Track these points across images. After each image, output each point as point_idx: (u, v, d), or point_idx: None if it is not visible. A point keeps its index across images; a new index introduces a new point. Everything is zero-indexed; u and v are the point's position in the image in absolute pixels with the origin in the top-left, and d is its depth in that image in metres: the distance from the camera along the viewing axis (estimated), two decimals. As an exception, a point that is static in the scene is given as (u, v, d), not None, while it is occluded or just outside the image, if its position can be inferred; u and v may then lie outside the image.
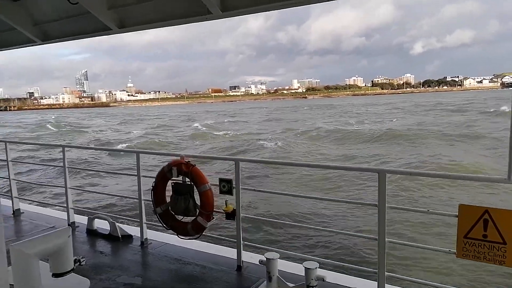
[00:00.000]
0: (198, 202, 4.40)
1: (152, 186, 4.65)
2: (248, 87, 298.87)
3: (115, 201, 12.02)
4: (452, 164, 16.80)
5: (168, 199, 4.59)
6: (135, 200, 5.23)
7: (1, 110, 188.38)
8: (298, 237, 8.83)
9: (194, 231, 4.44)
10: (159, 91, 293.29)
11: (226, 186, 4.21)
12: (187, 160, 4.44)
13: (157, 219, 4.70)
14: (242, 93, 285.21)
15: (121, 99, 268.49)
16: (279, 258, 3.65)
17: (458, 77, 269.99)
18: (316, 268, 3.40)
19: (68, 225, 5.75)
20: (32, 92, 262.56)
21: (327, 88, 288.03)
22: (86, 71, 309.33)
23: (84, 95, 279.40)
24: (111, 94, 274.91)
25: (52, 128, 51.80)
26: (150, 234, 5.17)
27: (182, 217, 4.54)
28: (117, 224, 5.26)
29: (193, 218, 4.42)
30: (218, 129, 42.81)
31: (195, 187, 4.35)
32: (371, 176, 13.02)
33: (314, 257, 3.79)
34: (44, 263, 2.75)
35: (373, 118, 50.24)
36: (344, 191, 13.10)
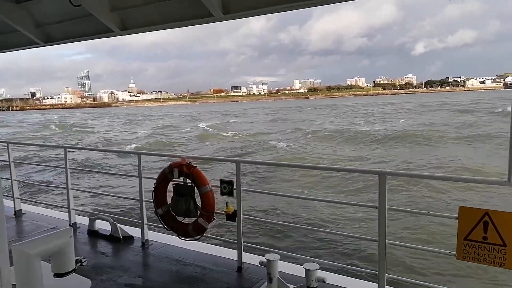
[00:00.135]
0: (199, 203, 4.42)
1: (153, 187, 4.68)
2: (250, 87, 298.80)
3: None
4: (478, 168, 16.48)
5: (169, 200, 4.61)
6: (136, 201, 5.25)
7: (4, 110, 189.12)
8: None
9: (195, 232, 4.46)
10: (160, 91, 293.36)
11: (227, 188, 4.23)
12: (188, 162, 4.46)
13: (158, 220, 4.73)
14: (243, 94, 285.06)
15: (123, 99, 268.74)
16: (279, 260, 3.66)
17: (460, 77, 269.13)
18: (316, 269, 3.42)
19: (70, 225, 5.77)
20: (34, 92, 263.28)
21: (329, 88, 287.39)
22: (87, 72, 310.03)
23: (86, 95, 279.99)
24: (113, 94, 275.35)
25: (56, 129, 51.82)
26: (151, 235, 5.18)
27: (183, 218, 4.56)
28: (118, 225, 5.29)
29: (194, 219, 4.44)
30: (226, 130, 42.62)
31: (196, 188, 4.37)
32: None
33: (315, 259, 3.80)
34: (46, 264, 2.78)
35: (382, 118, 50.00)
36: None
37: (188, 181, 4.43)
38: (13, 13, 4.93)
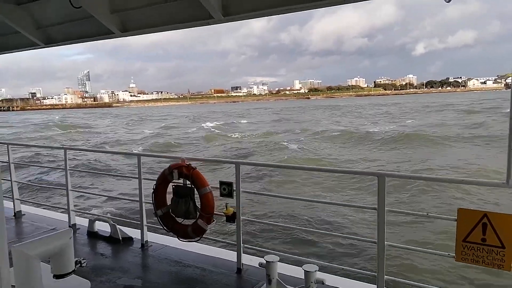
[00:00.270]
0: (198, 204, 4.42)
1: (153, 188, 4.69)
2: (250, 88, 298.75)
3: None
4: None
5: (168, 202, 4.61)
6: (136, 202, 5.26)
7: (4, 110, 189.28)
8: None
9: (194, 233, 4.46)
10: (161, 92, 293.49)
11: (227, 189, 4.24)
12: (187, 163, 4.47)
13: (157, 221, 4.73)
14: (244, 94, 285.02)
15: (123, 99, 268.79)
16: (278, 261, 3.66)
17: (460, 78, 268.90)
18: (315, 271, 3.42)
19: (69, 227, 5.78)
20: (35, 93, 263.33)
21: (329, 88, 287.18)
22: (88, 72, 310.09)
23: (87, 96, 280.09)
24: (113, 94, 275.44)
25: (57, 130, 51.73)
26: (151, 237, 5.19)
27: (183, 219, 4.57)
28: (117, 226, 5.29)
29: (194, 220, 4.44)
30: (233, 131, 42.13)
31: (195, 190, 4.38)
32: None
33: (314, 260, 3.80)
34: (46, 265, 2.79)
35: (388, 119, 49.61)
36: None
37: (188, 182, 4.43)
38: (13, 14, 4.95)
